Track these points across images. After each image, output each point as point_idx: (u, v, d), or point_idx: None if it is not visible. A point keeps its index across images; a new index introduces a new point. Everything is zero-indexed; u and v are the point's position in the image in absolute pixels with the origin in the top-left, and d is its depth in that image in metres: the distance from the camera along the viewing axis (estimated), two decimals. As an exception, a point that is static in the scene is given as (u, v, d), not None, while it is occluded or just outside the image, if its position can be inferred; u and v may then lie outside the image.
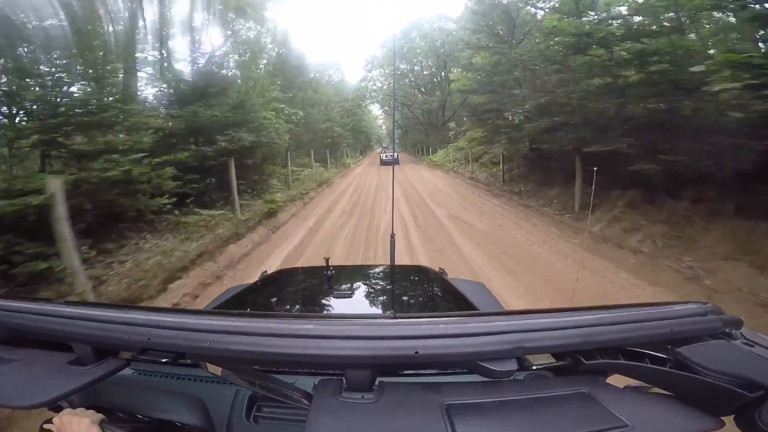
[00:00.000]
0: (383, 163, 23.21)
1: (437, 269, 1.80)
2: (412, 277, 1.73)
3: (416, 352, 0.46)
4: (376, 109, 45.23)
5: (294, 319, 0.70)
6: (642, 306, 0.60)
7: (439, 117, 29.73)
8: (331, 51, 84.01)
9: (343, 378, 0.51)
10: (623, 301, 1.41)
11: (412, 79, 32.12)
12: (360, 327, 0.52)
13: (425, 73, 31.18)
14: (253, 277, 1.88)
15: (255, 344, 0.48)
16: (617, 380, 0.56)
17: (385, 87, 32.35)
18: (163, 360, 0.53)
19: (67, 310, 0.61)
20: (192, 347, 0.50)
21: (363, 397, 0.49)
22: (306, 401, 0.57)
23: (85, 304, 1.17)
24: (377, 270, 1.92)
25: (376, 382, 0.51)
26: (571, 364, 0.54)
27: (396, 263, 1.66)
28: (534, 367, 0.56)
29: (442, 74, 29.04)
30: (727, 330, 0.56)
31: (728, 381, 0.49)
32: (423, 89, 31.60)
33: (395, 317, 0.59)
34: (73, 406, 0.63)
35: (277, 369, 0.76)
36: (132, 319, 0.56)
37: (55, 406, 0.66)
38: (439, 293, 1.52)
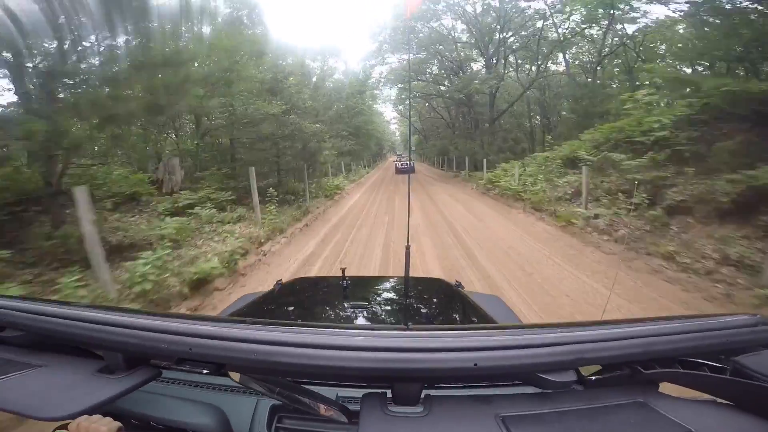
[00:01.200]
0: (399, 171, 22.51)
1: (453, 282, 1.77)
2: (429, 289, 1.71)
3: (475, 364, 0.44)
4: (388, 111, 35.31)
5: (339, 330, 0.59)
6: (693, 317, 0.59)
7: (482, 113, 19.31)
8: (333, 30, 63.05)
9: (388, 391, 0.51)
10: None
11: (436, 67, 21.62)
12: (411, 339, 0.48)
13: (459, 50, 20.45)
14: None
15: (300, 356, 0.45)
16: (665, 389, 0.55)
17: (398, 70, 21.89)
18: (204, 371, 0.50)
19: (97, 315, 0.58)
20: (235, 358, 0.47)
21: (411, 410, 0.48)
22: (344, 415, 0.57)
23: (112, 308, 1.05)
24: (394, 282, 1.82)
25: (422, 395, 0.51)
26: (627, 374, 0.54)
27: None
28: (594, 378, 0.54)
29: (494, 46, 18.19)
30: None
31: None
32: (457, 73, 20.78)
33: (452, 329, 0.61)
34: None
35: (325, 381, 0.74)
36: (170, 327, 0.52)
37: None
38: (458, 306, 1.47)
